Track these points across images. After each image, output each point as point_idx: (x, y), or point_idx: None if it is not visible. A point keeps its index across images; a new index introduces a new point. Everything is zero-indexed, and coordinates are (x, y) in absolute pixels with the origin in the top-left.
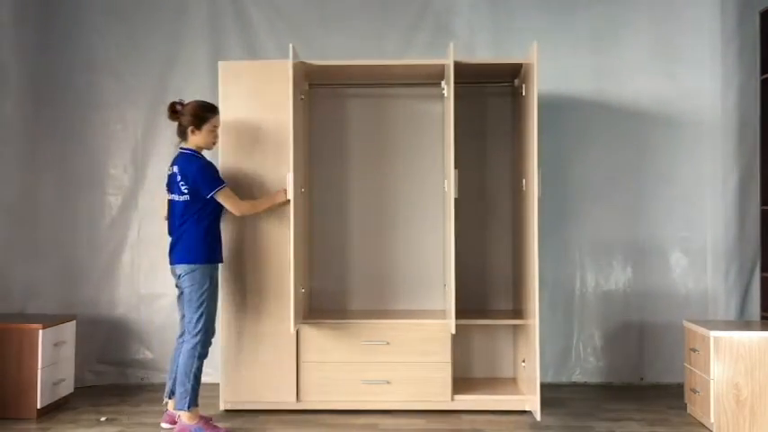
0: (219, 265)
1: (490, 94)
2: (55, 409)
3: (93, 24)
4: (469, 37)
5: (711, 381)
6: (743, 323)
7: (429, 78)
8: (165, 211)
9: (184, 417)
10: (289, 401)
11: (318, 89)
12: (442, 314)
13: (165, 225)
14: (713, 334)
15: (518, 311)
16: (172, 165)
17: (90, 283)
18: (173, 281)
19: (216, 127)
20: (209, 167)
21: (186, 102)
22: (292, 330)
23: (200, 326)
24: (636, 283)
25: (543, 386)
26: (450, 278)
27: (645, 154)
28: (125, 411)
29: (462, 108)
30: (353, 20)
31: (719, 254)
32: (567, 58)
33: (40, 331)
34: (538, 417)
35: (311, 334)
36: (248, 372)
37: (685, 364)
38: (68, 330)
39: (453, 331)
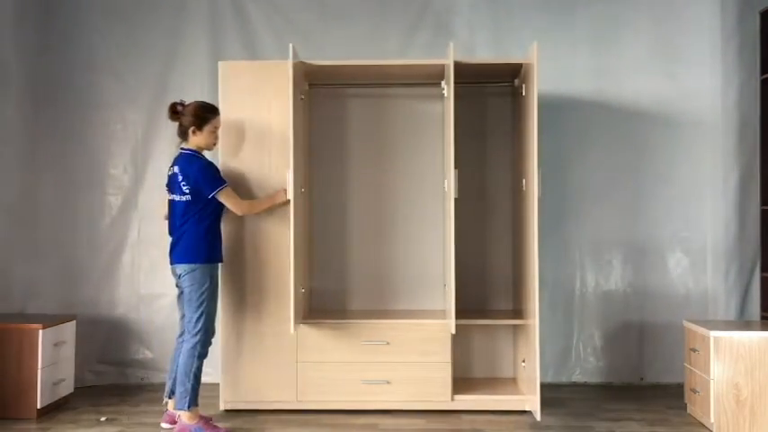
0: (220, 264)
1: (490, 94)
2: (55, 409)
3: (93, 24)
4: (469, 37)
5: (711, 381)
6: (743, 323)
7: (429, 78)
8: (165, 210)
9: (184, 416)
10: (288, 401)
11: (318, 89)
12: (442, 314)
13: (165, 225)
14: (713, 334)
15: (518, 311)
16: (172, 165)
17: (90, 283)
18: (173, 281)
19: (217, 128)
20: (210, 167)
21: (187, 102)
22: (292, 331)
23: (199, 325)
24: (636, 283)
25: (543, 386)
26: (450, 278)
27: (645, 154)
28: (125, 411)
29: (462, 108)
30: (353, 19)
31: (719, 254)
32: (567, 58)
33: (40, 331)
34: (538, 417)
35: (311, 334)
36: (248, 372)
37: (685, 364)
38: (68, 330)
39: (453, 331)
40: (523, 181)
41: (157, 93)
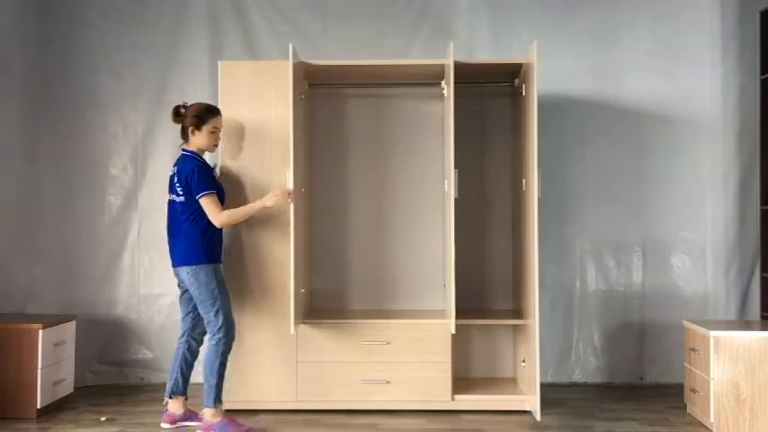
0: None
1: (490, 94)
2: (55, 409)
3: (93, 24)
4: (469, 37)
5: (711, 381)
6: (743, 323)
7: (429, 78)
8: (166, 210)
9: (209, 414)
10: (289, 401)
11: (318, 89)
12: (442, 314)
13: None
14: (713, 334)
15: (518, 311)
16: (173, 166)
17: (90, 284)
18: (173, 281)
19: (217, 129)
20: (203, 171)
21: (190, 104)
22: (292, 331)
23: (219, 322)
24: (636, 283)
25: (543, 386)
26: (450, 278)
27: (645, 154)
28: (125, 411)
29: (462, 108)
30: (353, 20)
31: (719, 254)
32: (567, 58)
33: (40, 331)
34: (538, 417)
35: (311, 334)
36: (248, 372)
37: (685, 364)
38: (68, 330)
39: (453, 331)
40: (523, 181)
41: (157, 93)
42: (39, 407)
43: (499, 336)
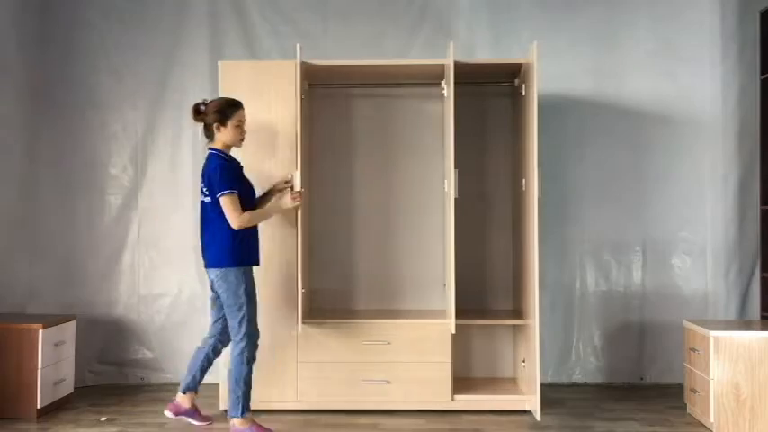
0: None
1: (490, 94)
2: (55, 409)
3: (93, 24)
4: (469, 37)
5: (711, 381)
6: (743, 323)
7: (429, 78)
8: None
9: (237, 423)
10: (289, 401)
11: (318, 89)
12: (442, 314)
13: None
14: (713, 334)
15: (518, 311)
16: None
17: (90, 283)
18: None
19: (242, 122)
20: (226, 169)
21: (209, 101)
22: (299, 331)
23: (243, 330)
24: (636, 283)
25: (543, 386)
26: (450, 278)
27: (645, 154)
28: (125, 411)
29: (462, 108)
30: (353, 19)
31: (719, 254)
32: (567, 58)
33: (40, 331)
34: (538, 417)
35: (311, 334)
36: None
37: (685, 364)
38: (68, 330)
39: (453, 331)
40: (523, 181)
41: (157, 93)
42: (39, 407)
43: (499, 336)
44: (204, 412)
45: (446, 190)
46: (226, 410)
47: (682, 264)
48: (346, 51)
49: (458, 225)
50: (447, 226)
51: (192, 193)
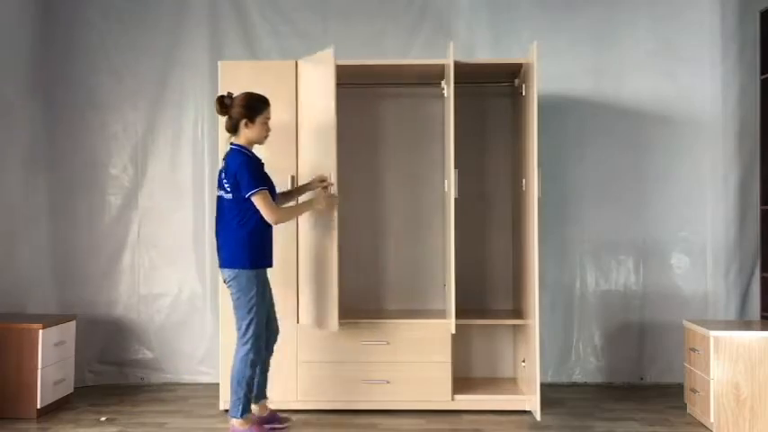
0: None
1: (490, 94)
2: (55, 409)
3: (93, 24)
4: (469, 37)
5: (711, 381)
6: (743, 323)
7: (429, 78)
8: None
9: (237, 424)
10: (289, 401)
11: None
12: (442, 314)
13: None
14: (713, 334)
15: (518, 311)
16: (223, 160)
17: (90, 283)
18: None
19: (268, 119)
20: (253, 165)
21: (235, 94)
22: (336, 329)
23: (250, 332)
24: (636, 283)
25: (543, 386)
26: (450, 278)
27: (645, 154)
28: (125, 411)
29: (462, 108)
30: (353, 19)
31: (719, 254)
32: (567, 58)
33: (40, 331)
34: (538, 417)
35: (311, 334)
36: None
37: (685, 364)
38: (68, 330)
39: (453, 331)
40: (523, 181)
41: (157, 93)
42: (39, 407)
43: (499, 336)
44: (206, 413)
45: (446, 190)
46: (227, 410)
47: (682, 264)
48: (346, 51)
49: (458, 225)
50: (447, 226)
51: (192, 193)
